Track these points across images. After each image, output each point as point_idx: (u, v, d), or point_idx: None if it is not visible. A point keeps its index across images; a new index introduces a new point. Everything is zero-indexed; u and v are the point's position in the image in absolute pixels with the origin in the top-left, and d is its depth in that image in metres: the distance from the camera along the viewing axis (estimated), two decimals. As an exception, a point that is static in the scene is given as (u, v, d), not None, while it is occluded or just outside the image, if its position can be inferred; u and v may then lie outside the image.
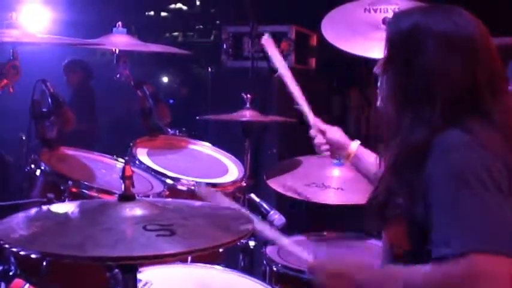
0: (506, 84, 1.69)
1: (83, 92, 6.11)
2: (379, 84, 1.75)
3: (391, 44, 1.70)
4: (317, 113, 2.43)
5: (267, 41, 2.51)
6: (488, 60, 1.62)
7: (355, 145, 2.30)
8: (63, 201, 2.40)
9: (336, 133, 2.34)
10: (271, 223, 2.61)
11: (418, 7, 1.74)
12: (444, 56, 1.60)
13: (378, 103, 1.76)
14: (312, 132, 2.38)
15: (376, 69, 1.76)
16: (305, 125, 2.42)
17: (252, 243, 2.72)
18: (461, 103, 1.59)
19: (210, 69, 5.29)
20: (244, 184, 3.02)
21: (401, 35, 1.67)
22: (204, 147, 3.32)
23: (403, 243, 1.61)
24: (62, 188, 2.45)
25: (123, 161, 2.86)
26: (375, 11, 2.67)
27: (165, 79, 7.00)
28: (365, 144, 2.34)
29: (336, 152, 2.36)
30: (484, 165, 1.48)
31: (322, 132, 2.35)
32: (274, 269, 2.56)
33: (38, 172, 2.58)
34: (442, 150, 1.53)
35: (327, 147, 2.36)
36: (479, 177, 1.46)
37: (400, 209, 1.60)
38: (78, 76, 6.11)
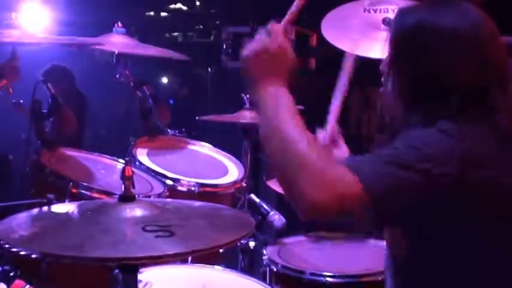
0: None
1: (70, 101, 5.25)
2: (383, 83, 1.69)
3: (396, 42, 1.63)
4: (317, 113, 2.40)
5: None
6: (498, 55, 1.57)
7: None
8: (63, 202, 2.40)
9: (342, 155, 2.18)
10: (271, 224, 2.61)
11: (423, 3, 1.67)
12: (453, 51, 1.54)
13: (385, 103, 1.70)
14: (322, 131, 2.23)
15: (383, 68, 1.69)
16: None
17: (252, 244, 2.71)
18: (472, 101, 1.53)
19: (210, 70, 5.29)
20: (244, 185, 3.02)
21: (406, 33, 1.61)
22: (203, 148, 3.31)
23: (402, 243, 1.60)
24: (61, 188, 2.45)
25: (123, 161, 2.86)
26: (375, 11, 2.66)
27: (164, 79, 6.98)
28: (365, 144, 2.32)
29: None
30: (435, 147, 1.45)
31: (333, 141, 2.22)
32: (274, 269, 2.55)
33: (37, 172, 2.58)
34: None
35: None
36: (412, 149, 1.44)
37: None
38: (62, 84, 5.18)
